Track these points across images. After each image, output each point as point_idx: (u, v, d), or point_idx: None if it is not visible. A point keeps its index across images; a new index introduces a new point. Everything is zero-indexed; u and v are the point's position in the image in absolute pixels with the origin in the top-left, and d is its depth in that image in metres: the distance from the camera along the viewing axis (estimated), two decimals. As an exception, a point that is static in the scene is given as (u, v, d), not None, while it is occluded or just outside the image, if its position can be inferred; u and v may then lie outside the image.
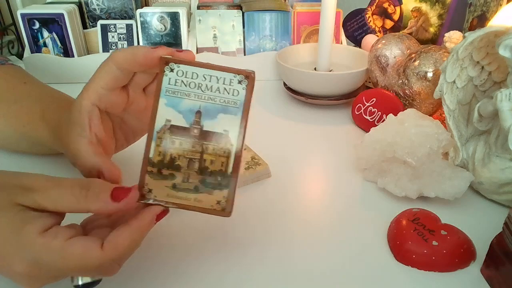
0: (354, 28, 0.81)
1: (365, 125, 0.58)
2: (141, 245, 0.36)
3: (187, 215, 0.41)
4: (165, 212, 0.31)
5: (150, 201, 0.31)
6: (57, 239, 0.26)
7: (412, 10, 0.72)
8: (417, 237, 0.36)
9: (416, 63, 0.54)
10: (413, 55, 0.55)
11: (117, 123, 0.38)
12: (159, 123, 0.31)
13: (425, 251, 0.35)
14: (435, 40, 0.70)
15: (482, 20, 0.68)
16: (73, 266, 0.27)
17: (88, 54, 0.77)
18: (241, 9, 0.76)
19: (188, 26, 0.78)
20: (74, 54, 0.74)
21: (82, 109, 0.33)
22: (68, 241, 0.27)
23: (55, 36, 0.73)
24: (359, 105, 0.59)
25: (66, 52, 0.74)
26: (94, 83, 0.33)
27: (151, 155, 0.31)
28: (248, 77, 0.30)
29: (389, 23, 0.75)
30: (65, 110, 0.37)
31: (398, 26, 0.74)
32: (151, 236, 0.37)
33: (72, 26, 0.73)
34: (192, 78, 0.30)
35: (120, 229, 0.28)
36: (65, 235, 0.27)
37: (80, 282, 0.29)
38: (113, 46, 0.76)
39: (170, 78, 0.30)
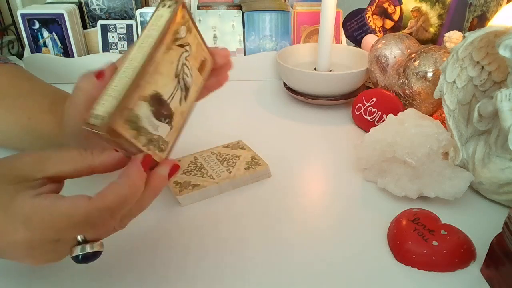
0: (354, 28, 0.81)
1: (365, 125, 0.58)
2: (139, 244, 0.36)
3: (185, 214, 0.41)
4: (149, 159, 0.29)
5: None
6: (47, 199, 0.26)
7: (412, 10, 0.72)
8: (417, 237, 0.36)
9: (416, 63, 0.54)
10: (413, 55, 0.55)
11: None
12: None
13: (425, 251, 0.35)
14: (435, 40, 0.70)
15: (482, 20, 0.68)
16: (60, 221, 0.26)
17: (88, 54, 0.77)
18: (241, 9, 0.76)
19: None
20: (74, 54, 0.74)
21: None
22: (57, 199, 0.27)
23: (55, 36, 0.73)
24: (359, 105, 0.59)
25: (66, 52, 0.74)
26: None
27: None
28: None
29: (389, 23, 0.75)
30: None
31: (398, 26, 0.74)
32: (150, 235, 0.37)
33: (72, 26, 0.73)
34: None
35: (111, 182, 0.28)
36: (55, 196, 0.27)
37: (79, 252, 0.28)
38: (113, 46, 0.76)
39: None
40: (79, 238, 0.28)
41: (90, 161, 0.29)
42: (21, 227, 0.26)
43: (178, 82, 0.31)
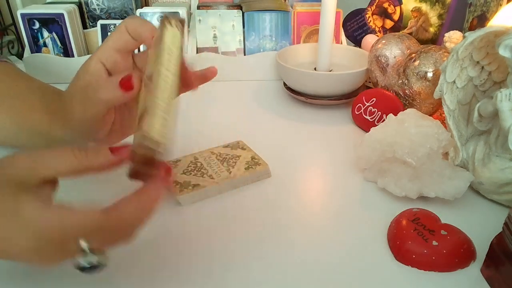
0: (354, 28, 0.81)
1: (365, 125, 0.58)
2: (138, 244, 0.36)
3: (185, 214, 0.41)
4: (168, 169, 0.32)
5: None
6: (55, 210, 0.27)
7: (412, 10, 0.72)
8: (417, 237, 0.36)
9: (416, 63, 0.54)
10: (413, 55, 0.55)
11: (118, 105, 0.40)
12: None
13: (425, 251, 0.35)
14: (435, 40, 0.70)
15: (482, 20, 0.68)
16: (72, 225, 0.26)
17: (88, 54, 0.77)
18: (241, 9, 0.76)
19: (188, 26, 0.78)
20: (74, 54, 0.74)
21: (90, 68, 0.36)
22: (67, 211, 0.27)
23: (55, 36, 0.73)
24: (359, 105, 0.59)
25: (66, 52, 0.74)
26: (105, 42, 0.37)
27: None
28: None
29: (389, 23, 0.75)
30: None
31: (398, 26, 0.74)
32: (149, 235, 0.37)
33: (72, 26, 0.73)
34: None
35: (126, 196, 0.28)
36: (63, 206, 0.27)
37: (82, 261, 0.28)
38: (113, 46, 0.76)
39: None
40: (85, 246, 0.28)
41: (86, 163, 0.29)
42: (31, 237, 0.26)
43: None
